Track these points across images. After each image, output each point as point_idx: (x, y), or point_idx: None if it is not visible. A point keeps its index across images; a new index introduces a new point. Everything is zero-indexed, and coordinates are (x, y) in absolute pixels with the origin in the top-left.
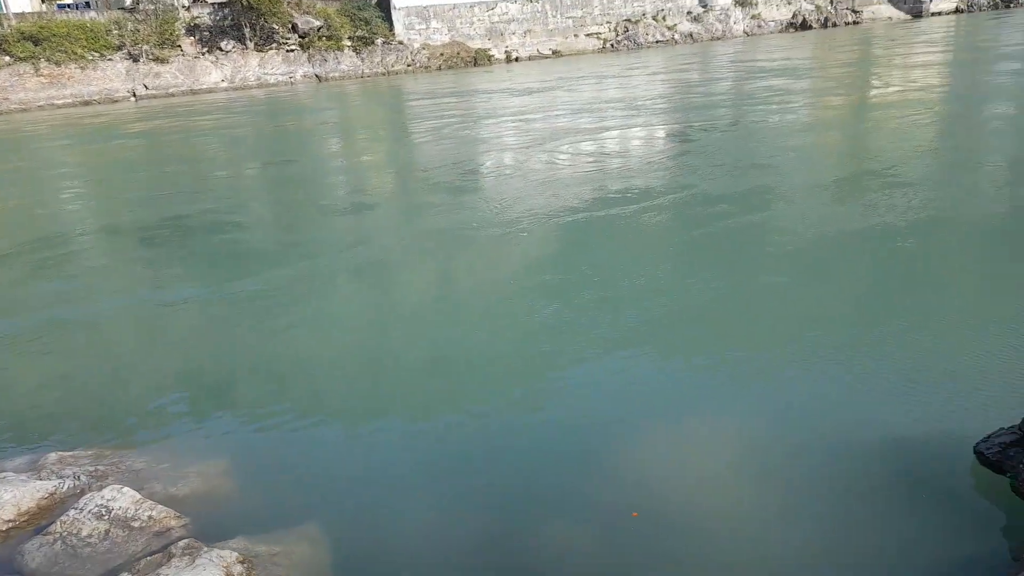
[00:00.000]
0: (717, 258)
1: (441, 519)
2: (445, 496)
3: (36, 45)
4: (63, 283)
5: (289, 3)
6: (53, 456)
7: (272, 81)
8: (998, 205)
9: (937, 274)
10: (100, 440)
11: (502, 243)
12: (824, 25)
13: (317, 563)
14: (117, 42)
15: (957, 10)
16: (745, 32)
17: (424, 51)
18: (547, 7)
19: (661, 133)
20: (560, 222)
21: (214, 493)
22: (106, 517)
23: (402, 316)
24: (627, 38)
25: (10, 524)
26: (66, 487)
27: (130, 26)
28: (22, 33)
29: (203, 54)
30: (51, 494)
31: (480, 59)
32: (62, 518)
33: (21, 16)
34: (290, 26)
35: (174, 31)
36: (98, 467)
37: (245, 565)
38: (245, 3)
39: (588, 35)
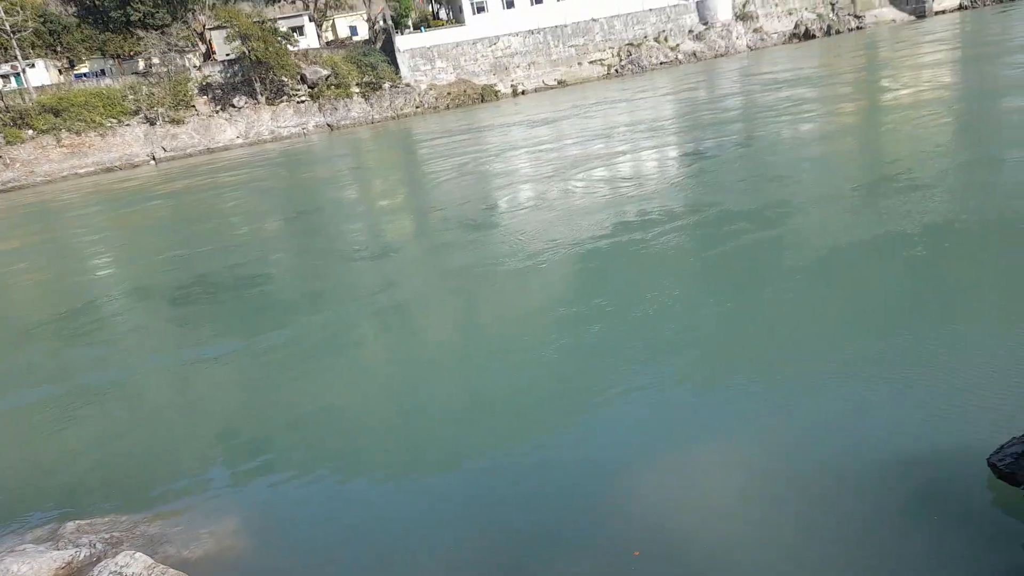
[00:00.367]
0: (735, 278)
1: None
2: (462, 558)
3: (56, 116)
4: (95, 349)
5: (296, 55)
6: (71, 525)
7: (285, 134)
8: (1018, 211)
9: (950, 285)
10: (118, 506)
11: (523, 277)
12: (827, 33)
13: None
14: (133, 107)
15: (961, 7)
16: (748, 46)
17: (431, 91)
18: (548, 38)
19: (675, 153)
20: (580, 251)
21: (226, 554)
22: None
23: (424, 361)
24: (631, 62)
25: None
26: (82, 555)
27: (145, 90)
28: (43, 106)
29: (217, 112)
30: (68, 563)
31: (487, 95)
32: None
33: (41, 89)
34: (299, 77)
35: (187, 91)
36: (113, 533)
37: None
38: (253, 58)
39: (591, 62)
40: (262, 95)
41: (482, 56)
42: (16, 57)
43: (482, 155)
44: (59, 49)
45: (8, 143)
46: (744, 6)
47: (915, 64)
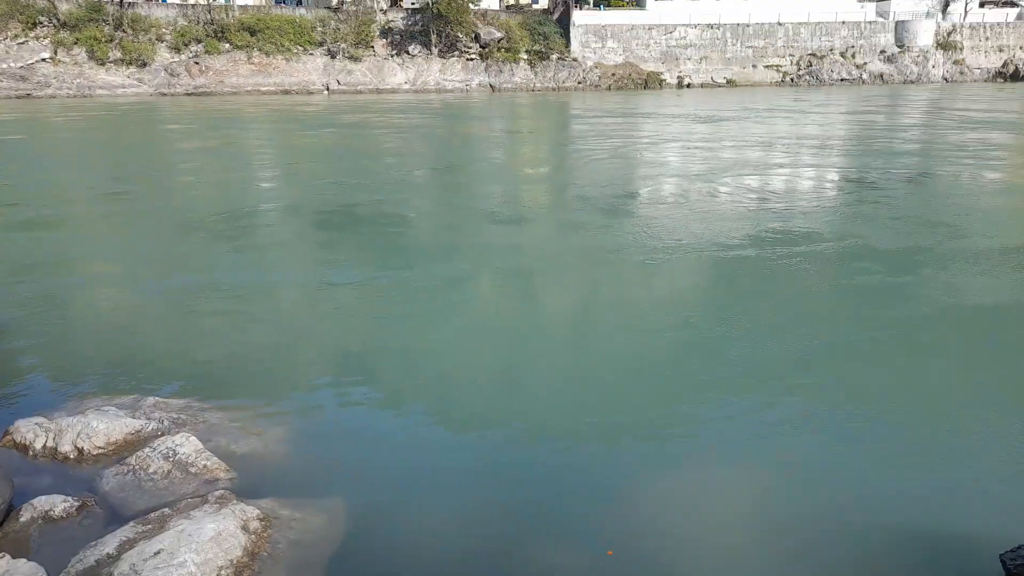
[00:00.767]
0: (843, 315)
1: (461, 524)
2: (480, 506)
3: (252, 35)
4: (237, 252)
5: (475, 14)
6: (151, 400)
7: (449, 87)
8: None
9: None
10: (196, 392)
11: (641, 270)
12: None
13: (329, 533)
14: (319, 38)
15: None
16: (944, 78)
17: (596, 69)
18: (727, 35)
19: (835, 176)
20: (704, 257)
21: (266, 455)
22: (171, 459)
23: (523, 328)
24: (809, 73)
25: (100, 451)
26: (150, 428)
27: (332, 24)
28: (242, 24)
29: (391, 56)
30: (137, 431)
31: (651, 83)
32: (138, 453)
33: (244, 9)
34: (473, 36)
35: (369, 32)
36: (181, 415)
37: (263, 522)
38: (435, 11)
39: (767, 67)
40: (435, 47)
41: (654, 43)
42: None
43: (635, 142)
44: None
45: (207, 52)
46: (949, 35)
47: None
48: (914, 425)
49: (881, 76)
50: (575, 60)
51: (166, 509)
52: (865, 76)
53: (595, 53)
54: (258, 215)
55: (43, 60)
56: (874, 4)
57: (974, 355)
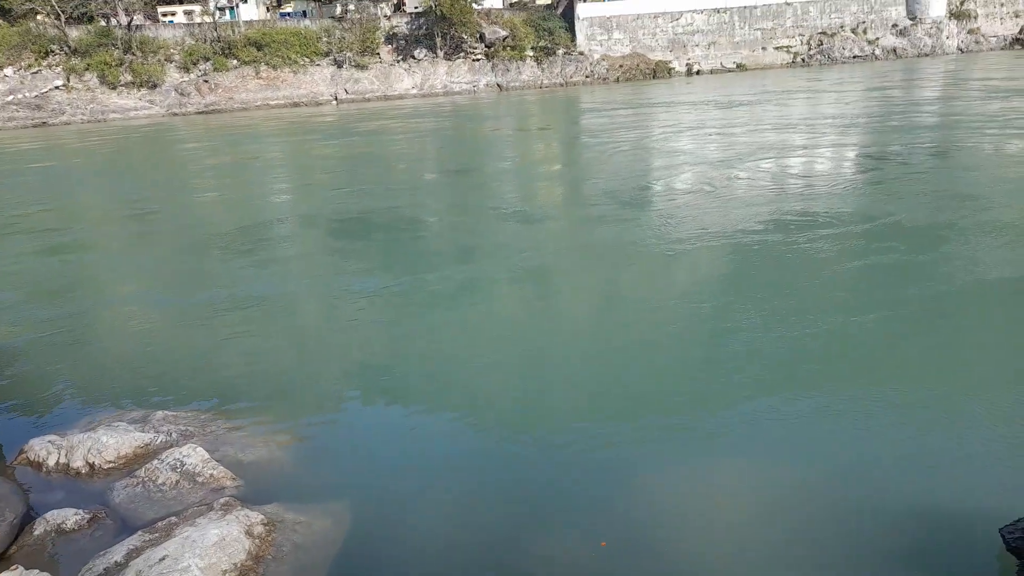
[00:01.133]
0: (870, 296)
1: (463, 531)
2: (483, 514)
3: (259, 50)
4: (253, 266)
5: (479, 13)
6: (160, 414)
7: (457, 89)
8: None
9: None
10: (204, 403)
11: (662, 262)
12: None
13: (333, 536)
14: (325, 48)
15: None
16: (959, 48)
17: (603, 62)
18: (735, 18)
19: (855, 155)
20: (724, 245)
21: (272, 463)
22: (179, 469)
23: (540, 330)
24: (820, 52)
25: (111, 464)
26: (159, 440)
27: (337, 33)
28: (249, 39)
29: (398, 62)
30: (146, 445)
31: (660, 72)
32: (147, 465)
33: (249, 24)
34: (478, 36)
35: (374, 39)
36: (190, 427)
37: (267, 527)
38: (439, 13)
39: (777, 48)
40: (441, 50)
41: (661, 31)
42: None
43: (647, 133)
44: None
45: (215, 70)
46: (961, 3)
47: None
48: (922, 404)
49: (894, 51)
50: (581, 54)
51: (173, 517)
52: (878, 52)
53: (601, 45)
54: (275, 227)
55: (56, 88)
56: None
57: (1000, 334)
